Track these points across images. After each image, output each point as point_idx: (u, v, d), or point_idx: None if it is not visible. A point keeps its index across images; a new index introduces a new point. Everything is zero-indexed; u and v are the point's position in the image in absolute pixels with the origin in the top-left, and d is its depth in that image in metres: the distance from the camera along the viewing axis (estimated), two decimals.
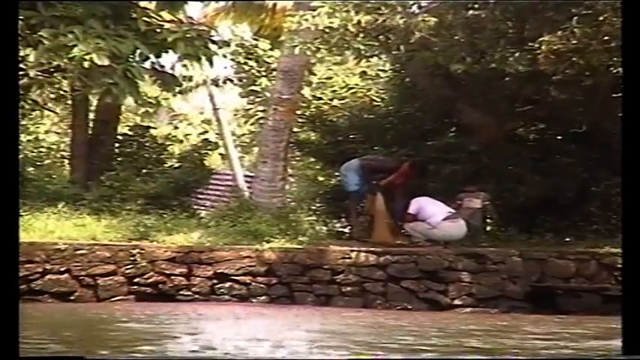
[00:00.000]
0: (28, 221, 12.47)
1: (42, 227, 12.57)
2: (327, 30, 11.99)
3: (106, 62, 12.65)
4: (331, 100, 16.40)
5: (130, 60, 13.49)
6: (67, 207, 13.46)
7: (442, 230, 12.80)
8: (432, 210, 12.87)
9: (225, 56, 19.66)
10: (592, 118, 13.45)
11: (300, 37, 12.77)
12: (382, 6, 12.11)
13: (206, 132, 27.26)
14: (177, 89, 17.41)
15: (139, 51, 13.99)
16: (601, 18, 11.06)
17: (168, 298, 12.00)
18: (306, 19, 11.98)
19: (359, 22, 11.88)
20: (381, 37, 12.60)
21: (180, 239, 12.54)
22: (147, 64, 14.47)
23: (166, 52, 14.87)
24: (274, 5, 19.62)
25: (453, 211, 12.92)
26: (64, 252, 12.01)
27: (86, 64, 12.42)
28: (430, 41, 12.26)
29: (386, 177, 13.47)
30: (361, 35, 12.12)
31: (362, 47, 12.35)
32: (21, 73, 12.96)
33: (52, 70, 13.27)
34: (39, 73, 13.03)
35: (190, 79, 20.31)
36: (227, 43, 18.13)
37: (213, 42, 15.12)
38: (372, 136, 15.06)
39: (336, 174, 14.55)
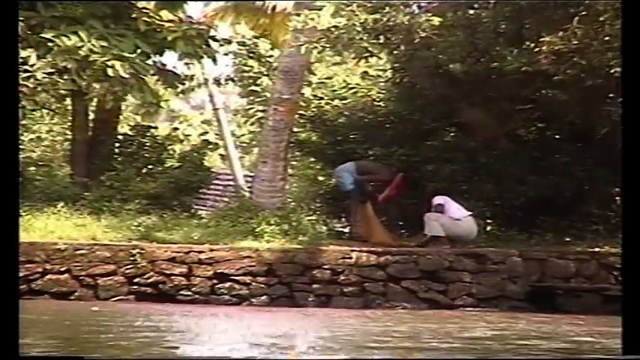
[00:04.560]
0: (28, 221, 12.45)
1: (42, 227, 12.54)
2: (331, 29, 11.99)
3: (126, 74, 12.86)
4: (332, 100, 16.38)
5: (134, 57, 13.54)
6: (67, 207, 13.44)
7: (466, 224, 12.99)
8: (454, 207, 13.13)
9: (226, 54, 19.69)
10: (592, 118, 13.44)
11: (305, 36, 12.76)
12: (386, 5, 12.12)
13: (206, 132, 27.29)
14: (180, 88, 17.39)
15: (139, 50, 14.04)
16: (601, 18, 11.06)
17: (169, 298, 11.99)
18: (312, 19, 11.99)
19: (365, 20, 11.89)
20: (381, 36, 12.61)
21: (181, 239, 12.52)
22: (148, 64, 14.52)
23: (167, 50, 14.91)
24: (274, 6, 19.60)
25: (469, 213, 13.09)
26: (64, 252, 12.00)
27: (110, 72, 12.65)
28: (431, 40, 12.26)
29: (378, 186, 13.77)
30: (365, 35, 12.12)
31: (366, 46, 12.36)
32: (25, 75, 12.98)
33: (55, 70, 13.28)
34: (45, 75, 13.04)
35: (192, 78, 20.33)
36: (228, 41, 18.18)
37: (215, 40, 15.14)
38: (372, 136, 15.04)
39: None
